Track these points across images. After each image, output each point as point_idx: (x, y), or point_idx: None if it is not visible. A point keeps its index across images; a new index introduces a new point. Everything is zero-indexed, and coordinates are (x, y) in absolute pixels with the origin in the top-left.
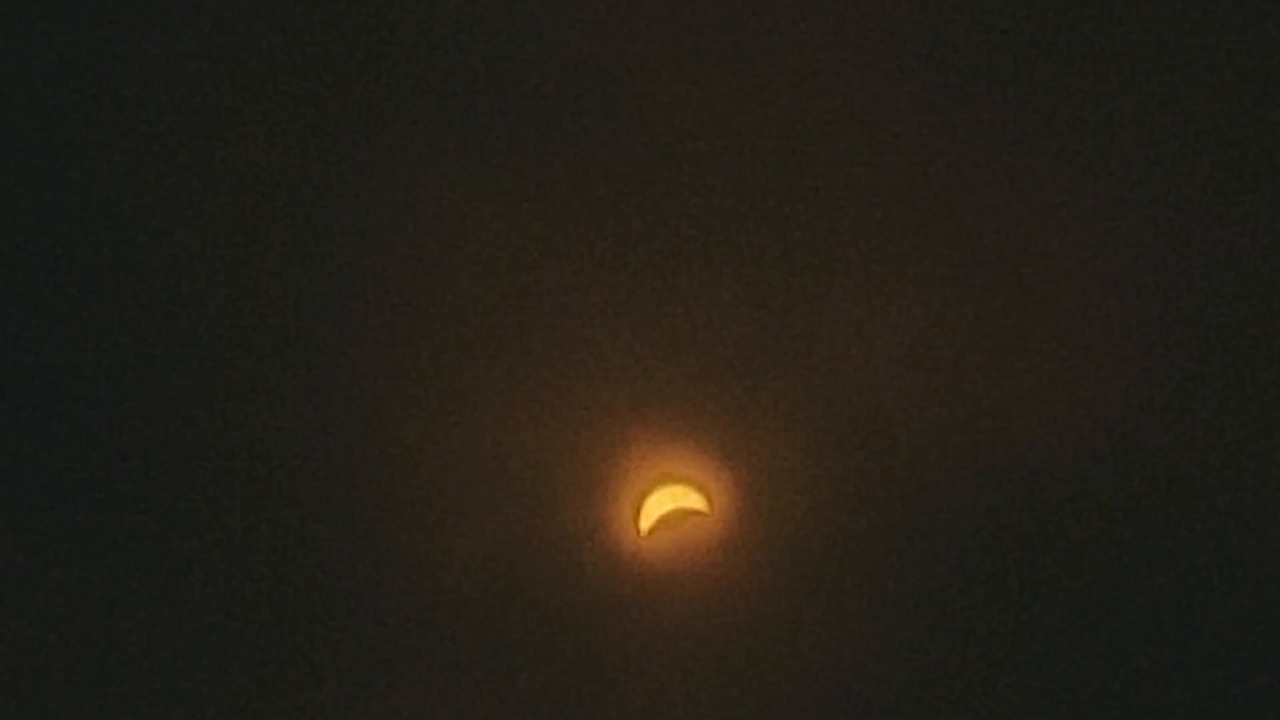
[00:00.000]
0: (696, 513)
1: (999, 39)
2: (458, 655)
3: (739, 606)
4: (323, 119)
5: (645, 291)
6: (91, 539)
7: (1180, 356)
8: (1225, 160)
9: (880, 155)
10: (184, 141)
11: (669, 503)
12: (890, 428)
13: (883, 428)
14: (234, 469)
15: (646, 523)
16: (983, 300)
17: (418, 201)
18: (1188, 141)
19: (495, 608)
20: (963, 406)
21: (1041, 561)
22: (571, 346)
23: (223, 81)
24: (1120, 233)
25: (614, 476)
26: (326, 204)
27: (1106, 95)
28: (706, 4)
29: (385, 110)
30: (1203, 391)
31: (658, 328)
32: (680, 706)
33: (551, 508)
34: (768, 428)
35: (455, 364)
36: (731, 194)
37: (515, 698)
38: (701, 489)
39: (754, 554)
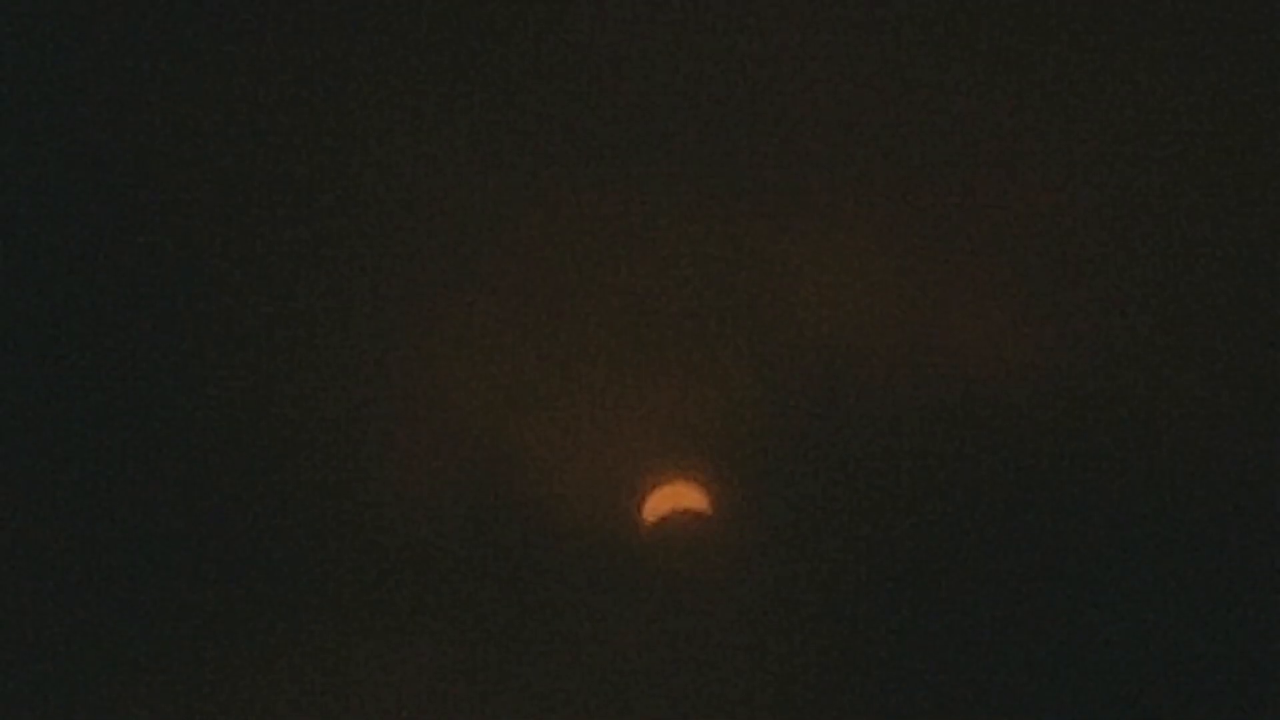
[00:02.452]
0: (690, 503)
1: None
2: (461, 643)
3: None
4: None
5: (625, 272)
6: (57, 470)
7: (1124, 302)
8: (1169, 121)
9: (841, 117)
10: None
11: (668, 500)
12: (865, 396)
13: (853, 394)
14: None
15: (647, 514)
16: (942, 259)
17: (421, 198)
18: (1137, 101)
19: (497, 593)
20: (925, 361)
21: (1026, 528)
22: (556, 342)
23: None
24: (1066, 187)
25: (613, 469)
26: (336, 194)
27: (1063, 55)
28: None
29: (392, 92)
30: (1145, 333)
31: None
32: (673, 682)
33: (554, 496)
34: (744, 403)
35: (451, 360)
36: (709, 168)
37: (517, 676)
38: (697, 482)
39: (741, 539)
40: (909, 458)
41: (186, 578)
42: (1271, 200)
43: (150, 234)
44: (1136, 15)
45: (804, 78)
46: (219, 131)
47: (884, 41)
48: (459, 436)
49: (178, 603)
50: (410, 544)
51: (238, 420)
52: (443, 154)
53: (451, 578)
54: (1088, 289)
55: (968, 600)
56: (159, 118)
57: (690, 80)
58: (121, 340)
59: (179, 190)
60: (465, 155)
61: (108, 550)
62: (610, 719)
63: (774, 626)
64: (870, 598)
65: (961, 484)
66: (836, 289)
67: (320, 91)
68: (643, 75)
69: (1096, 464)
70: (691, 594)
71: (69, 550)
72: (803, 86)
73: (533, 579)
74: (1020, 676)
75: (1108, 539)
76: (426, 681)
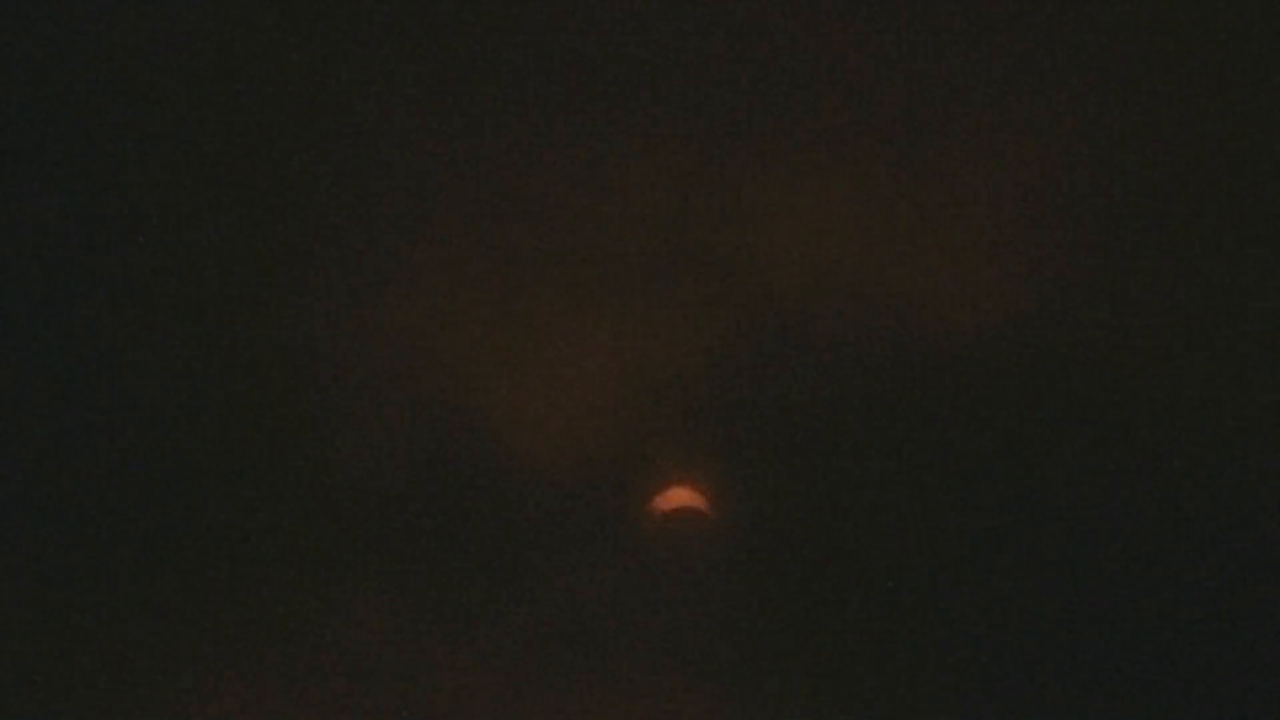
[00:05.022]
0: (689, 499)
1: None
2: (453, 641)
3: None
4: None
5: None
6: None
7: (1093, 250)
8: (1137, 67)
9: (810, 63)
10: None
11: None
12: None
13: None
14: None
15: (649, 510)
16: (917, 206)
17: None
18: (1109, 47)
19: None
20: (901, 310)
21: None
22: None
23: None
24: (1033, 135)
25: (618, 465)
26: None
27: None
28: None
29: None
30: (1113, 280)
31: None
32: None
33: (563, 491)
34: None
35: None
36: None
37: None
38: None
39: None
40: (882, 410)
41: (163, 545)
42: (1237, 152)
43: (103, 189)
44: None
45: (774, 22)
46: (160, 81)
47: None
48: (434, 414)
49: (151, 567)
50: (390, 530)
51: (204, 388)
52: (399, 98)
53: (440, 574)
54: (1058, 236)
55: (959, 575)
56: (107, 72)
57: (658, 27)
58: (74, 296)
59: (134, 146)
60: (426, 101)
61: (59, 506)
62: (607, 714)
63: (761, 613)
64: (858, 576)
65: (940, 437)
66: (808, 239)
67: (271, 43)
68: (609, 21)
69: (1078, 415)
70: (685, 579)
71: (12, 503)
72: (772, 32)
73: (496, 534)
74: (1018, 665)
75: (1096, 510)
76: (415, 676)
